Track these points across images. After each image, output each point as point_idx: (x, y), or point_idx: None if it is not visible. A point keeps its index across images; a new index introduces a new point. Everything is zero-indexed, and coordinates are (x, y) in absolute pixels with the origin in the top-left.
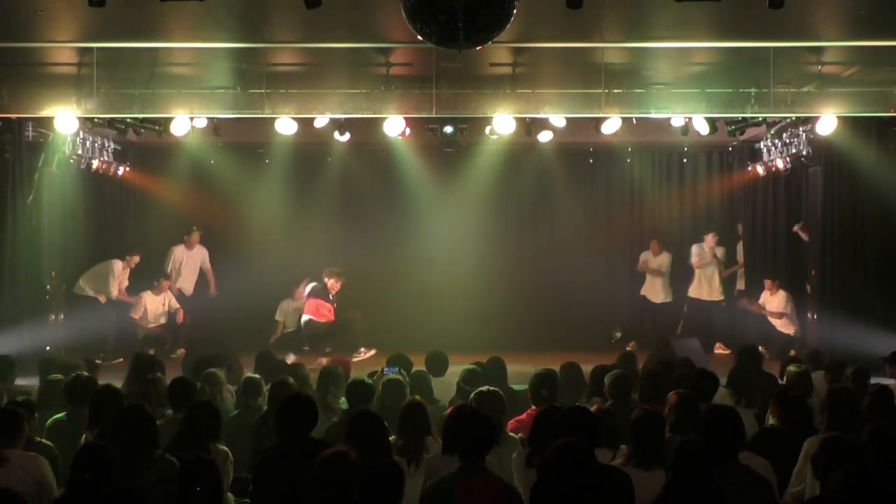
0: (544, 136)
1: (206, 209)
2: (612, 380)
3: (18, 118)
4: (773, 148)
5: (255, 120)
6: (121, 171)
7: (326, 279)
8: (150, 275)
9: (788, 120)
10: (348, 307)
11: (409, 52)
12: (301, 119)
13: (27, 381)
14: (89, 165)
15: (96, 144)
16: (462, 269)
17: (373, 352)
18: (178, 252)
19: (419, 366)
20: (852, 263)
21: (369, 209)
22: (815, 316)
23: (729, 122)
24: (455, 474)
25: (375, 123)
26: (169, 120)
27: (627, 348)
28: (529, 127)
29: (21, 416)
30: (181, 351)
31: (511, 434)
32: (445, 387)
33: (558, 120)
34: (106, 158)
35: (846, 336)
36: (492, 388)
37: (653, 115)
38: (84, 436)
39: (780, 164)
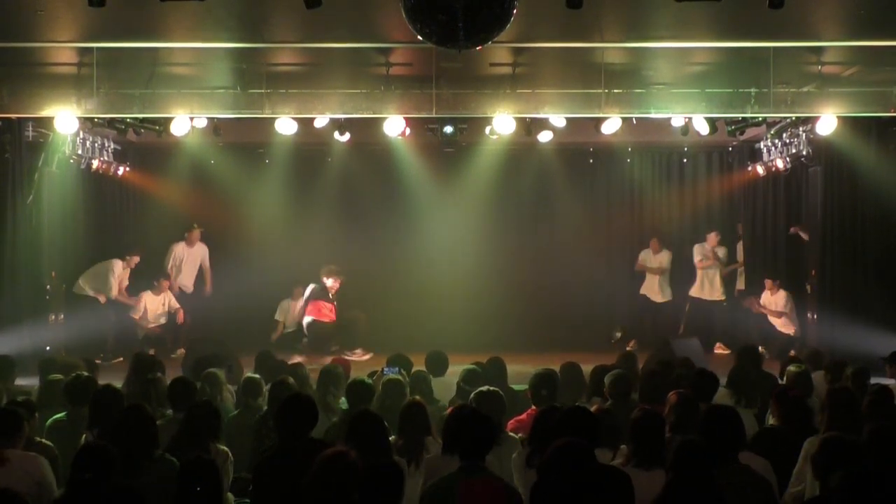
0: (544, 136)
1: (206, 209)
2: (612, 380)
3: (18, 118)
4: (773, 148)
5: (255, 120)
6: (121, 171)
7: (324, 278)
8: (150, 275)
9: (788, 120)
10: (349, 307)
11: (409, 52)
12: (301, 119)
13: (27, 381)
14: (89, 165)
15: (96, 144)
16: (462, 269)
17: (369, 355)
18: (179, 249)
19: (419, 366)
20: (852, 263)
21: (369, 209)
22: (815, 316)
23: (729, 122)
24: (455, 474)
25: (375, 123)
26: (169, 120)
27: (627, 348)
28: (529, 127)
29: (21, 416)
30: (181, 351)
31: (511, 434)
32: (445, 387)
33: (558, 120)
34: (106, 158)
35: (846, 336)
36: (492, 388)
37: (653, 115)
38: (84, 436)
39: (780, 164)
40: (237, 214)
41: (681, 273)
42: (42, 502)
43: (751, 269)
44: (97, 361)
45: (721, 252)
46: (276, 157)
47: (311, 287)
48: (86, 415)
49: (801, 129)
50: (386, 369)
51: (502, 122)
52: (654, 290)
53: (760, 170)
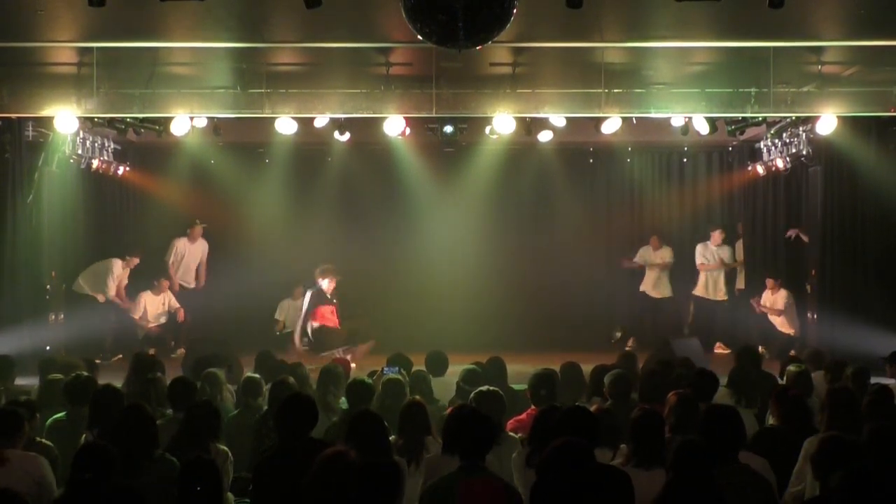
0: (544, 136)
1: (206, 209)
2: (612, 380)
3: (18, 118)
4: (773, 148)
5: (255, 120)
6: (121, 170)
7: (320, 280)
8: (150, 275)
9: (788, 120)
10: (350, 306)
11: (409, 51)
12: (301, 119)
13: (27, 381)
14: (89, 165)
15: (96, 144)
16: (462, 269)
17: (371, 342)
18: (181, 245)
19: (419, 366)
20: (852, 263)
21: (369, 209)
22: (815, 316)
23: (729, 121)
24: (455, 474)
25: (375, 123)
26: (169, 120)
27: (626, 347)
28: (529, 127)
29: (21, 416)
30: (181, 351)
31: (511, 434)
32: (445, 387)
33: (558, 120)
34: (106, 158)
35: (846, 336)
36: (492, 388)
37: (653, 115)
38: (84, 436)
39: (780, 163)
40: (237, 214)
41: (682, 272)
42: (42, 502)
43: (751, 268)
44: (97, 361)
45: (725, 254)
46: (276, 157)
47: (308, 294)
48: (86, 415)
49: (801, 128)
50: (386, 369)
51: (502, 122)
52: (650, 285)
53: (760, 169)
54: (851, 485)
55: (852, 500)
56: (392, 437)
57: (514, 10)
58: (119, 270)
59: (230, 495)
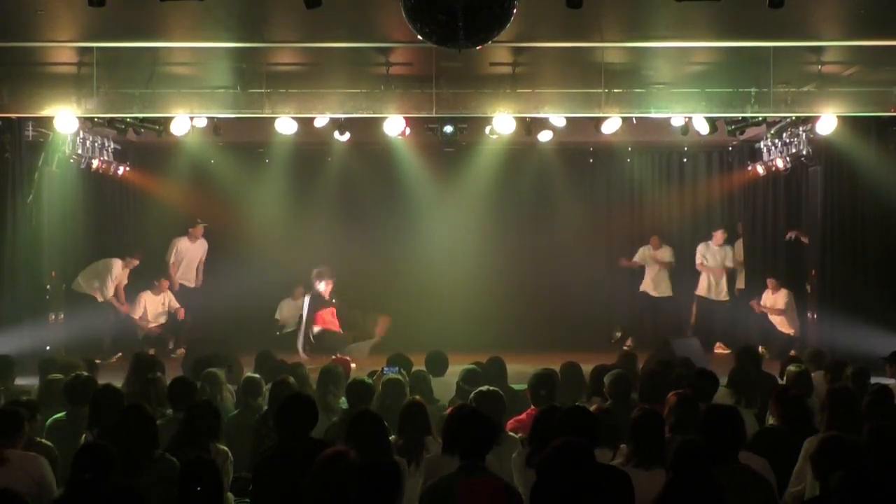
0: (544, 136)
1: (206, 209)
2: (612, 380)
3: (18, 118)
4: (773, 148)
5: (255, 120)
6: (121, 170)
7: (316, 283)
8: (150, 275)
9: (788, 120)
10: (350, 306)
11: (409, 51)
12: (301, 119)
13: (27, 381)
14: (89, 165)
15: (96, 144)
16: (462, 269)
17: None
18: (182, 245)
19: (419, 366)
20: (852, 263)
21: (369, 209)
22: (815, 316)
23: (729, 121)
24: (455, 474)
25: (375, 123)
26: (169, 119)
27: (625, 347)
28: (529, 127)
29: (21, 416)
30: (181, 351)
31: (511, 434)
32: (445, 387)
33: (558, 120)
34: (106, 158)
35: (846, 336)
36: (492, 388)
37: (653, 115)
38: (84, 436)
39: (780, 163)
40: (237, 214)
41: (682, 271)
42: (42, 502)
43: (751, 268)
44: (97, 361)
45: (728, 255)
46: (276, 157)
47: (307, 300)
48: (86, 415)
49: (801, 128)
50: (386, 369)
51: (502, 122)
52: (650, 284)
53: (760, 169)
54: (851, 485)
55: (852, 500)
56: (392, 437)
57: (514, 10)
58: (119, 271)
59: (230, 495)
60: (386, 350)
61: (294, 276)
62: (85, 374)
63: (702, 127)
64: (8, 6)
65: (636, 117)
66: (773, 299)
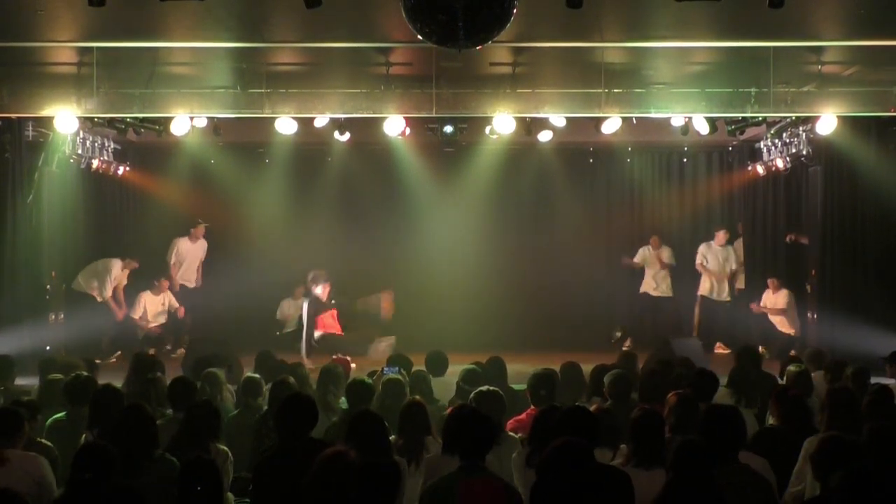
0: (544, 136)
1: (206, 209)
2: (611, 380)
3: (18, 118)
4: (773, 148)
5: (255, 120)
6: (121, 170)
7: (313, 289)
8: (150, 275)
9: (788, 120)
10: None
11: (409, 51)
12: (301, 119)
13: (27, 381)
14: (89, 165)
15: (96, 144)
16: (462, 269)
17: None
18: (183, 245)
19: (419, 366)
20: (852, 263)
21: (369, 209)
22: (815, 316)
23: (729, 121)
24: (455, 474)
25: (375, 123)
26: (169, 119)
27: (624, 347)
28: (529, 127)
29: (21, 416)
30: (181, 351)
31: (511, 434)
32: (445, 387)
33: (558, 120)
34: (106, 158)
35: (846, 336)
36: (492, 388)
37: (653, 115)
38: (84, 436)
39: (780, 163)
40: (237, 214)
41: (682, 271)
42: (42, 502)
43: (751, 268)
44: (97, 361)
45: (731, 258)
46: (276, 157)
47: (305, 306)
48: (86, 415)
49: (801, 128)
50: (386, 369)
51: (502, 122)
52: (651, 284)
53: (760, 169)
54: (851, 485)
55: (852, 500)
56: (392, 437)
57: (514, 10)
58: (118, 272)
59: (230, 495)
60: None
61: (294, 276)
62: (85, 374)
63: (702, 127)
64: (8, 6)
65: (636, 117)
66: (774, 299)
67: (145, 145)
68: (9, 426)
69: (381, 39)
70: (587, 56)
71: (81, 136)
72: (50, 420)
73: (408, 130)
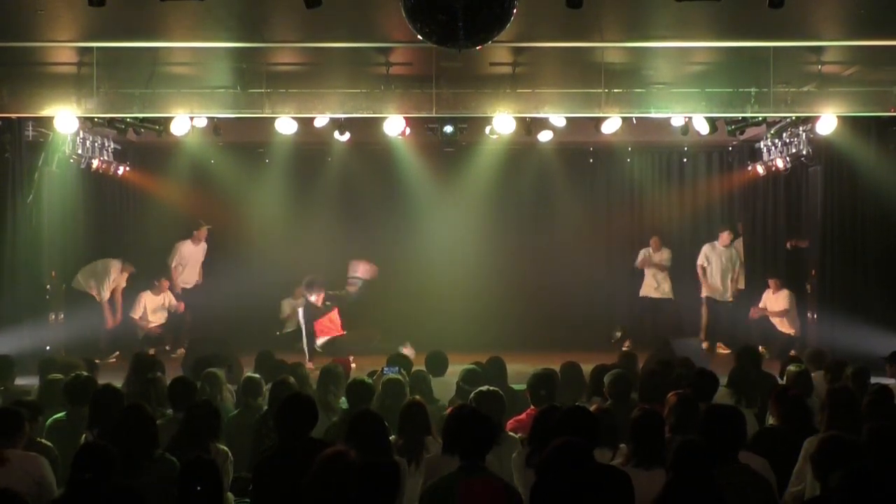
0: (544, 136)
1: (206, 209)
2: (611, 379)
3: (18, 118)
4: (773, 148)
5: (255, 120)
6: (121, 170)
7: (308, 296)
8: (149, 275)
9: (788, 120)
10: (351, 307)
11: (409, 51)
12: (301, 119)
13: (27, 381)
14: (89, 165)
15: (96, 144)
16: (462, 269)
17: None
18: (186, 248)
19: (419, 366)
20: (852, 263)
21: (369, 209)
22: (815, 316)
23: (729, 121)
24: (455, 474)
25: (375, 123)
26: (169, 119)
27: (623, 348)
28: (529, 127)
29: (22, 416)
30: (181, 351)
31: (511, 434)
32: (445, 387)
33: (558, 119)
34: (106, 158)
35: (846, 336)
36: (492, 388)
37: (653, 115)
38: (84, 436)
39: (780, 163)
40: (237, 214)
41: (682, 272)
42: (42, 502)
43: (751, 268)
44: (96, 362)
45: (736, 260)
46: (276, 157)
47: (301, 311)
48: (86, 415)
49: (801, 128)
50: (386, 369)
51: (502, 122)
52: (652, 286)
53: (760, 169)
54: (851, 485)
55: (852, 500)
56: (392, 437)
57: (514, 10)
58: (116, 274)
59: (230, 495)
60: (386, 350)
61: (294, 276)
62: (85, 374)
63: (702, 127)
64: (8, 6)
65: (636, 117)
66: (774, 299)
67: (145, 145)
68: (9, 426)
69: (381, 39)
70: (587, 56)
71: (81, 136)
72: (50, 420)
73: (408, 130)
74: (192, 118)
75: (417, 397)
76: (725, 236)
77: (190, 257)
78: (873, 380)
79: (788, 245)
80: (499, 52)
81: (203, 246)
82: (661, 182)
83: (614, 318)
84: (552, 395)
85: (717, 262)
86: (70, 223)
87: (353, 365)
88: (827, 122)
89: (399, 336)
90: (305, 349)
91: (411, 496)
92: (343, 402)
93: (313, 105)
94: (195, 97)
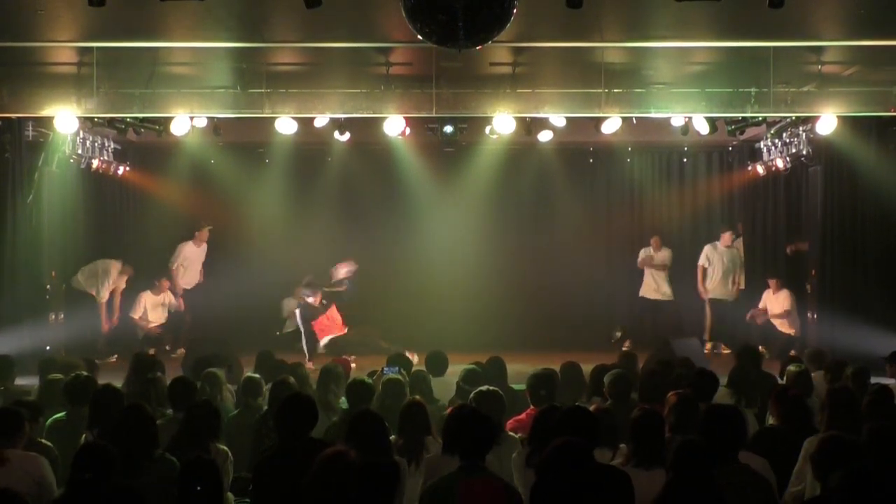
0: (544, 136)
1: (207, 209)
2: (611, 379)
3: (18, 118)
4: (773, 148)
5: (255, 120)
6: (121, 170)
7: (305, 297)
8: (149, 275)
9: (788, 120)
10: (351, 308)
11: (409, 51)
12: (301, 119)
13: (27, 381)
14: (89, 165)
15: (96, 144)
16: (462, 269)
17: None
18: (188, 250)
19: (419, 366)
20: (852, 263)
21: (369, 209)
22: (815, 316)
23: (729, 121)
24: (455, 474)
25: (375, 123)
26: (169, 119)
27: (623, 348)
28: (529, 127)
29: (22, 416)
30: (181, 351)
31: (511, 434)
32: (445, 387)
33: (558, 119)
34: (106, 158)
35: (846, 336)
36: (492, 388)
37: (653, 115)
38: (84, 436)
39: (780, 163)
40: (237, 214)
41: (682, 272)
42: (42, 502)
43: (751, 268)
44: (96, 362)
45: (737, 260)
46: (276, 157)
47: (298, 313)
48: (86, 415)
49: (801, 128)
50: (386, 369)
51: (502, 122)
52: (652, 287)
53: (760, 169)
54: (851, 485)
55: (852, 500)
56: (392, 437)
57: (514, 10)
58: (115, 275)
59: (230, 495)
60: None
61: (294, 275)
62: (85, 374)
63: (702, 127)
64: (8, 6)
65: (636, 117)
66: (775, 299)
67: (145, 145)
68: (9, 426)
69: (381, 39)
70: (587, 56)
71: (81, 136)
72: (50, 420)
73: (408, 130)
74: (192, 118)
75: (417, 397)
76: (727, 237)
77: (192, 258)
78: (873, 380)
79: (788, 250)
80: (499, 52)
81: (204, 247)
82: (661, 182)
83: (614, 318)
84: (552, 395)
85: (718, 262)
86: (70, 223)
87: (353, 365)
88: (827, 122)
89: (399, 336)
90: (305, 349)
91: (411, 496)
92: (343, 402)
93: (313, 105)
94: (195, 97)
